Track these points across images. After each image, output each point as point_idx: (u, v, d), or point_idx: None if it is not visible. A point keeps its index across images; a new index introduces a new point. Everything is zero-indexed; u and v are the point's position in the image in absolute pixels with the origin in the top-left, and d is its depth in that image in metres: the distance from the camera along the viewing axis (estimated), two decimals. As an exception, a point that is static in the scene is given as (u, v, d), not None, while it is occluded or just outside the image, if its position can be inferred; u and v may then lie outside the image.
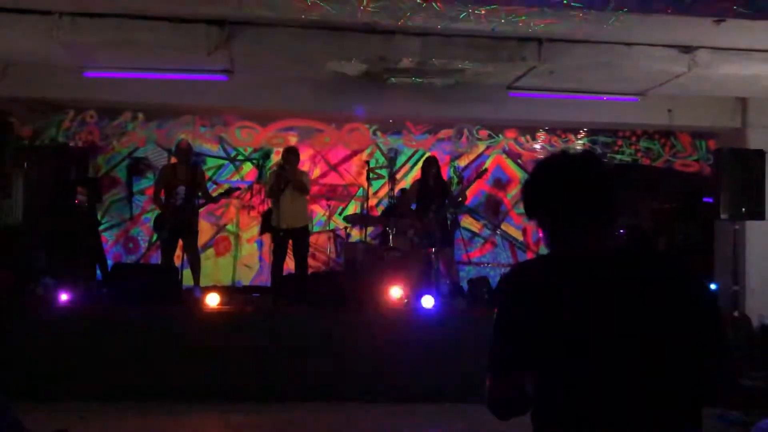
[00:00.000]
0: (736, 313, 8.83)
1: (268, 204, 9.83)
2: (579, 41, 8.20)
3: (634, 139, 12.03)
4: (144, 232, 11.40)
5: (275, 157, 11.12)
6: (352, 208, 11.74)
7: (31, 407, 6.52)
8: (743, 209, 8.67)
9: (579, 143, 12.07)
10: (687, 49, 8.29)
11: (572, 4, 6.55)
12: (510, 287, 2.20)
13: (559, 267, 2.16)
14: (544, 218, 2.21)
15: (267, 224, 9.55)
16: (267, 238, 10.30)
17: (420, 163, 10.90)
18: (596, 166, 2.22)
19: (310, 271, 9.66)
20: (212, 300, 7.92)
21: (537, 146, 12.11)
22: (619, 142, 12.04)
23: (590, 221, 2.15)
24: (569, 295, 2.06)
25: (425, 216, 9.42)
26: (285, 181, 9.06)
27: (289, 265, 9.52)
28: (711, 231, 10.50)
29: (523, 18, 7.29)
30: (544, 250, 9.47)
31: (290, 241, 9.32)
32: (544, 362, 2.06)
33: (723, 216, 8.79)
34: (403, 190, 10.66)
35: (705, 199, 9.41)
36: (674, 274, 2.13)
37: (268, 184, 9.50)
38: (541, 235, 2.26)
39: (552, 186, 2.19)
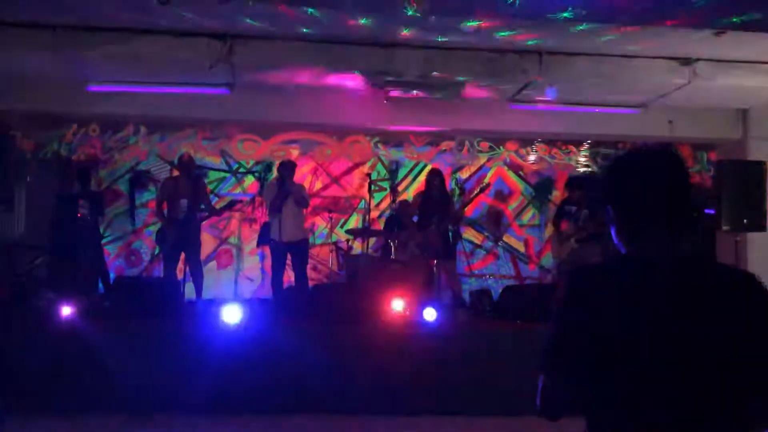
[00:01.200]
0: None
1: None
2: (579, 54, 8.24)
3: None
4: (146, 245, 11.41)
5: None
6: (354, 221, 11.76)
7: (31, 420, 6.55)
8: (744, 220, 8.68)
9: (581, 155, 12.09)
10: (687, 61, 8.32)
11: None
12: (574, 287, 2.12)
13: (627, 270, 2.08)
14: (614, 212, 2.16)
15: (265, 237, 9.55)
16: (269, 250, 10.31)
17: (422, 175, 10.92)
18: (679, 167, 2.15)
19: (311, 283, 9.65)
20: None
21: (538, 158, 12.13)
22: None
23: (661, 223, 2.09)
24: (634, 302, 2.00)
25: (427, 228, 9.42)
26: (284, 194, 9.06)
27: (291, 277, 9.53)
28: (712, 242, 10.50)
29: (523, 31, 7.33)
30: (546, 261, 9.47)
31: (289, 254, 9.32)
32: (599, 368, 2.00)
33: (724, 227, 8.79)
34: (402, 202, 10.68)
35: (706, 211, 9.41)
36: (747, 289, 2.04)
37: (267, 198, 9.50)
38: (611, 229, 2.21)
39: (628, 182, 2.14)
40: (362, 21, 7.04)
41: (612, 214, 2.17)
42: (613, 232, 2.20)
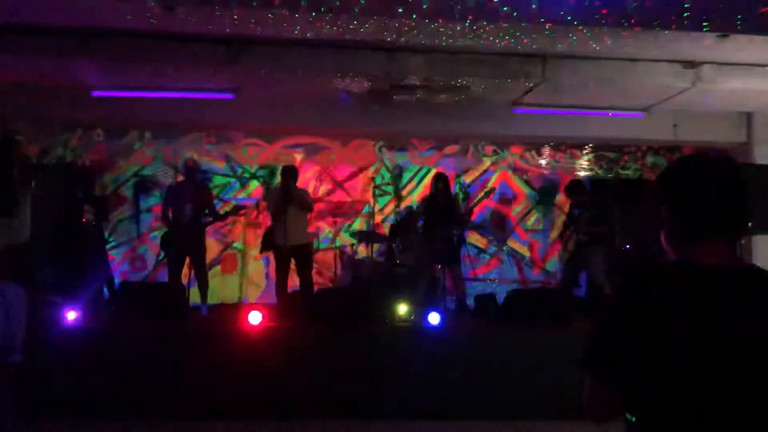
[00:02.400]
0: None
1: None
2: (583, 57, 8.23)
3: (639, 154, 12.04)
4: (151, 250, 11.42)
5: (281, 175, 11.18)
6: (358, 225, 11.76)
7: (37, 425, 6.56)
8: (750, 224, 8.65)
9: (584, 159, 12.09)
10: (691, 65, 8.32)
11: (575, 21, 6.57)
12: (633, 290, 2.08)
13: (691, 276, 2.04)
14: (672, 215, 2.14)
15: (268, 242, 9.53)
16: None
17: (426, 179, 10.91)
18: (740, 175, 2.12)
19: (316, 288, 9.65)
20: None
21: (542, 162, 12.14)
22: (625, 158, 12.06)
23: (723, 230, 2.09)
24: (697, 309, 1.97)
25: (432, 232, 9.41)
26: (288, 199, 9.05)
27: (296, 282, 9.52)
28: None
29: (526, 35, 7.34)
30: (550, 265, 9.44)
31: (293, 259, 9.31)
32: (652, 374, 1.98)
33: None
34: (409, 208, 10.68)
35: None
36: None
37: (270, 203, 9.49)
38: (661, 232, 2.19)
39: (693, 186, 2.11)
40: (366, 25, 7.05)
41: (668, 217, 2.14)
42: (663, 235, 2.17)
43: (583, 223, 9.29)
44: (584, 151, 12.07)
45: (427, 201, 9.83)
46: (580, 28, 6.97)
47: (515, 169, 12.18)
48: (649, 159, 11.99)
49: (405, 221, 10.24)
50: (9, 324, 4.99)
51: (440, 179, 9.74)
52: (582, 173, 12.00)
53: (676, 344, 1.94)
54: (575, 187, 9.83)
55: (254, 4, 6.33)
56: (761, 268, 2.09)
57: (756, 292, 2.00)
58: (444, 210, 9.51)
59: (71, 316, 7.66)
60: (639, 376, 1.98)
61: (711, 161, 2.14)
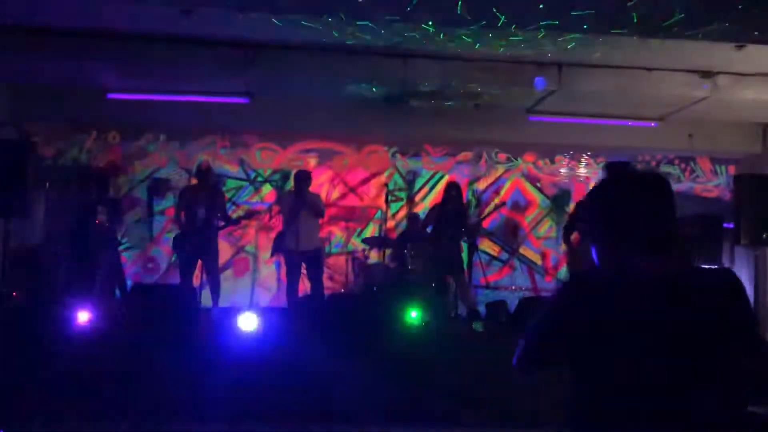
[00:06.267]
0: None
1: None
2: (598, 66, 8.22)
3: (653, 163, 11.98)
4: (163, 253, 11.45)
5: (294, 179, 11.18)
6: (371, 230, 11.75)
7: (48, 427, 6.57)
8: (764, 235, 8.60)
9: (599, 167, 12.04)
10: (708, 74, 8.28)
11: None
12: (564, 292, 2.22)
13: (610, 282, 2.15)
14: (601, 233, 2.24)
15: (280, 246, 9.54)
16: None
17: (439, 186, 10.90)
18: (668, 192, 2.20)
19: (327, 293, 9.64)
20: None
21: (556, 170, 12.10)
22: (639, 167, 12.00)
23: (647, 247, 2.15)
24: (614, 308, 2.08)
25: (439, 241, 9.38)
26: (300, 203, 9.06)
27: (308, 286, 9.53)
28: (731, 256, 10.41)
29: (541, 42, 7.33)
30: (563, 274, 9.35)
31: (304, 264, 9.32)
32: (581, 367, 2.13)
33: (743, 242, 8.72)
34: (411, 216, 10.69)
35: (725, 225, 9.34)
36: (716, 284, 2.13)
37: (283, 207, 9.51)
38: (593, 251, 2.27)
39: (619, 205, 2.20)
40: (381, 32, 7.06)
41: (597, 234, 2.25)
42: (593, 250, 2.27)
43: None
44: (598, 160, 12.02)
45: (437, 209, 9.78)
46: (596, 36, 6.96)
47: (528, 177, 12.15)
48: (663, 168, 11.92)
49: (410, 228, 10.23)
50: None
51: (453, 187, 9.71)
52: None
53: (603, 339, 2.06)
54: None
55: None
56: (687, 269, 2.18)
57: (680, 287, 2.08)
58: (454, 219, 9.47)
59: (82, 317, 7.67)
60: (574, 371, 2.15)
61: (639, 180, 2.25)
